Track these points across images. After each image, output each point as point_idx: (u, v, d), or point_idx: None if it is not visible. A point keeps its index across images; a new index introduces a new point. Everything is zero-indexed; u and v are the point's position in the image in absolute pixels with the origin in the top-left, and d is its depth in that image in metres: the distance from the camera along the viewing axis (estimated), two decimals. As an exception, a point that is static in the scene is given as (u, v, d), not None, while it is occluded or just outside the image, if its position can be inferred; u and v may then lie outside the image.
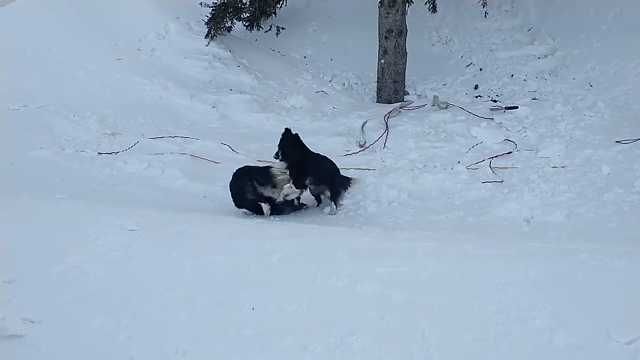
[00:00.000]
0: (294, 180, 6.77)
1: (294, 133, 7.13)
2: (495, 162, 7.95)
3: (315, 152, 7.27)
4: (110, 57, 9.86)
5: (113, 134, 8.37)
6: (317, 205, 7.20)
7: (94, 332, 3.68)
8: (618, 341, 3.47)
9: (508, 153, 8.22)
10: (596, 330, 3.57)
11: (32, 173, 7.15)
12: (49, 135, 8.06)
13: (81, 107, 8.74)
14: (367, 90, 11.17)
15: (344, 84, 11.22)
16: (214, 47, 10.78)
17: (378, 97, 10.69)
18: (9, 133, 7.98)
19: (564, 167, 7.64)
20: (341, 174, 7.20)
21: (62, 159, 7.62)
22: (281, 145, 7.05)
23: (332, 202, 6.99)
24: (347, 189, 7.06)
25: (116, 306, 3.87)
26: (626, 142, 7.87)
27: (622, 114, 8.99)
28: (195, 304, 3.91)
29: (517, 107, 9.32)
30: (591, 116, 8.92)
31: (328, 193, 7.03)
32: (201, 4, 11.21)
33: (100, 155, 7.79)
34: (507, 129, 8.79)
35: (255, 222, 5.97)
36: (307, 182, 6.92)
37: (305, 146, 7.13)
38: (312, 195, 7.18)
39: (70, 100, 8.80)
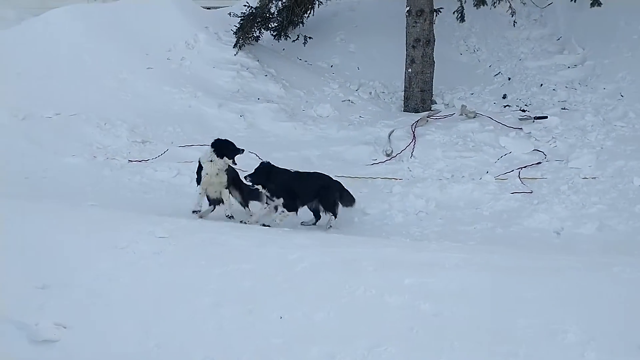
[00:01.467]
0: (284, 204, 6.38)
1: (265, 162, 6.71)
2: (525, 173, 7.85)
3: (299, 171, 6.92)
4: (140, 67, 10.01)
5: (143, 142, 8.49)
6: (315, 223, 6.74)
7: (124, 339, 3.73)
8: (652, 357, 3.40)
9: (537, 163, 8.11)
10: (629, 346, 3.52)
11: (64, 180, 7.30)
12: (80, 143, 8.21)
13: (112, 115, 8.89)
14: (394, 99, 11.15)
15: (370, 93, 11.22)
16: (242, 56, 10.87)
17: (405, 106, 10.66)
18: (42, 141, 8.16)
19: (594, 178, 7.51)
20: (333, 186, 6.72)
21: (93, 166, 7.76)
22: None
23: (330, 215, 6.60)
24: (343, 201, 6.67)
25: (146, 313, 3.92)
26: (659, 153, 7.72)
27: (655, 124, 8.82)
28: (223, 311, 3.94)
29: (546, 117, 9.21)
30: (622, 127, 8.77)
31: (321, 207, 6.64)
32: (230, 14, 11.33)
33: (130, 162, 7.91)
34: (536, 139, 8.68)
35: (282, 230, 5.98)
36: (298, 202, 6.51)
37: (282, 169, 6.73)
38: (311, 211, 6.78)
39: (101, 109, 8.95)
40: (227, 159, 6.38)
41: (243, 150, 6.62)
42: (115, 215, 5.57)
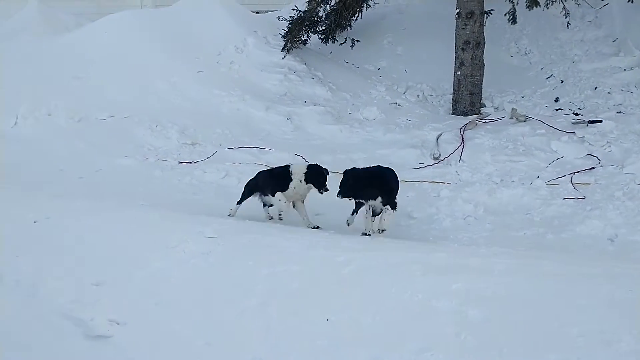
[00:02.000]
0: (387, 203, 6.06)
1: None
2: (577, 178, 7.63)
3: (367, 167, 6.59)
4: (191, 70, 10.23)
5: (193, 144, 8.66)
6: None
7: (175, 336, 3.81)
8: None
9: (591, 169, 7.88)
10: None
11: (116, 180, 7.51)
12: (132, 145, 8.45)
13: (163, 117, 9.11)
14: (442, 102, 11.03)
15: (418, 96, 11.13)
16: (290, 59, 10.97)
17: (453, 110, 10.53)
18: (96, 142, 8.44)
19: (651, 184, 7.25)
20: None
21: (144, 167, 7.96)
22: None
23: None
24: None
25: (195, 311, 4.00)
26: None
27: None
28: (270, 312, 3.98)
29: (600, 121, 8.94)
30: (681, 130, 8.44)
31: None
32: (278, 17, 11.45)
33: (180, 164, 8.08)
34: (589, 144, 8.43)
35: (328, 232, 6.00)
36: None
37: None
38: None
39: (153, 111, 9.19)
40: (312, 186, 6.33)
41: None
42: (166, 215, 5.69)
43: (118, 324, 3.85)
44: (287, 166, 6.53)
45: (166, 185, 7.53)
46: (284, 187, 6.31)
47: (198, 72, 10.24)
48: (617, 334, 3.62)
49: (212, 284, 4.30)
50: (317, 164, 6.54)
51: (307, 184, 6.31)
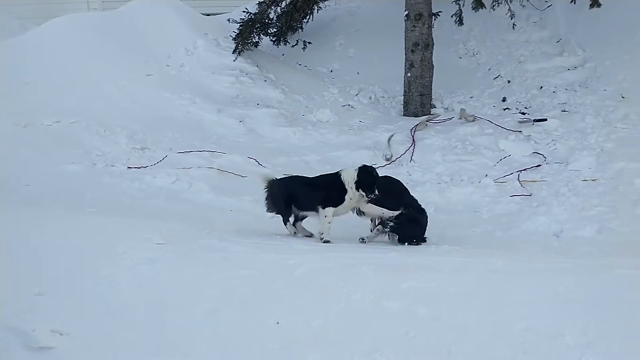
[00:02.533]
0: None
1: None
2: (524, 176, 7.84)
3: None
4: (140, 74, 10.05)
5: (142, 149, 8.50)
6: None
7: (122, 345, 3.72)
8: (652, 360, 3.38)
9: (537, 166, 8.10)
10: (628, 349, 3.50)
11: (64, 187, 7.29)
12: (80, 150, 8.22)
13: (111, 122, 8.90)
14: (393, 103, 11.15)
15: (370, 98, 11.22)
16: (242, 62, 10.90)
17: (405, 111, 10.66)
18: (42, 148, 8.17)
19: (594, 180, 7.49)
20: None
21: (92, 173, 7.75)
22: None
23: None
24: None
25: (143, 319, 3.92)
26: (660, 154, 7.69)
27: (656, 125, 8.79)
28: (220, 317, 3.93)
29: (546, 120, 9.20)
30: (623, 128, 8.74)
31: None
32: (229, 20, 11.38)
33: (129, 169, 7.91)
34: (535, 142, 8.67)
35: (280, 236, 5.98)
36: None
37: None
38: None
39: (101, 116, 8.97)
40: (361, 191, 5.83)
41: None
42: (114, 221, 5.56)
43: (61, 334, 3.72)
44: (338, 174, 5.94)
45: (115, 191, 7.35)
46: (338, 201, 5.83)
47: (147, 75, 10.07)
48: (562, 328, 3.71)
49: (160, 291, 4.22)
50: (366, 165, 6.08)
51: (358, 191, 5.82)
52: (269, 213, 6.27)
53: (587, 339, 3.60)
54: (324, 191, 5.87)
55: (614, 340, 3.58)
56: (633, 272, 4.43)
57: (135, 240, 4.95)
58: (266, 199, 6.16)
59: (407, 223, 6.01)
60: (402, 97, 10.77)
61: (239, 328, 3.84)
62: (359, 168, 5.93)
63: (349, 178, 5.84)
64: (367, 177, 5.84)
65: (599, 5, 10.43)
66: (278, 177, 6.36)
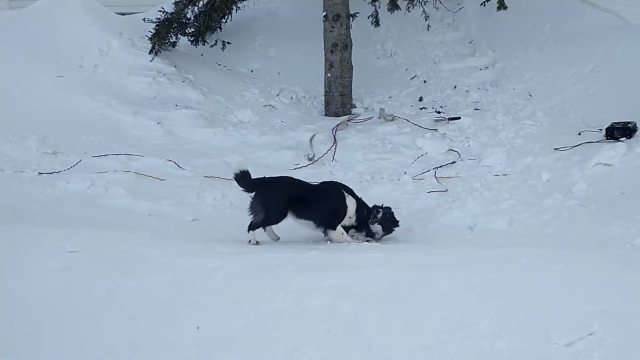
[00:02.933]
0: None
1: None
2: (440, 172, 8.09)
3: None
4: (50, 75, 9.60)
5: (54, 153, 8.12)
6: None
7: (35, 358, 3.55)
8: (558, 343, 3.57)
9: (452, 163, 8.39)
10: (537, 334, 3.67)
11: (-33, 196, 6.88)
12: (-14, 157, 7.77)
13: (20, 126, 8.46)
14: (315, 103, 11.22)
15: (291, 98, 11.24)
16: (159, 62, 10.63)
17: (326, 111, 10.75)
18: (-57, 156, 7.68)
19: (505, 175, 7.84)
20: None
21: (0, 180, 7.35)
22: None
23: None
24: None
25: (55, 332, 3.76)
26: (564, 149, 8.15)
27: (560, 122, 9.31)
28: (138, 325, 3.83)
29: (459, 118, 9.54)
30: (531, 125, 9.20)
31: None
32: (144, 19, 11.06)
33: (40, 175, 7.55)
34: (450, 139, 8.98)
35: (200, 239, 5.89)
36: None
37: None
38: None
39: (8, 120, 8.50)
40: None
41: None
42: (23, 229, 5.30)
43: (-35, 353, 3.52)
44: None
45: (25, 198, 7.00)
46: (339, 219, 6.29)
47: (58, 76, 9.64)
48: (475, 317, 3.86)
49: (74, 301, 4.06)
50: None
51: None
52: (252, 217, 6.02)
53: (499, 327, 3.76)
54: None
55: (523, 326, 3.76)
56: (538, 260, 4.68)
57: (46, 249, 4.74)
58: (257, 200, 5.99)
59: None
60: (323, 97, 10.86)
61: (158, 335, 3.76)
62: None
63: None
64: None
65: (505, 7, 10.89)
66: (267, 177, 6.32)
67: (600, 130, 8.36)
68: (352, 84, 10.74)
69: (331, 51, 10.52)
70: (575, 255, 5.05)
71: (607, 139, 8.05)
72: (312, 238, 6.39)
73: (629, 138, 7.95)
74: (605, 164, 7.46)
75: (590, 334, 3.59)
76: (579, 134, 8.54)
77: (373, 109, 10.59)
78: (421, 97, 11.05)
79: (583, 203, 6.75)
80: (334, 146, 8.96)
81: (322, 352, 3.59)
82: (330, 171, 8.43)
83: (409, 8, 10.93)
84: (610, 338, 3.53)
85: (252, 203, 6.02)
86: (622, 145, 7.68)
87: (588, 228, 6.13)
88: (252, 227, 5.94)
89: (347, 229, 6.31)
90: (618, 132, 8.03)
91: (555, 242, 5.89)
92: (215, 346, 3.65)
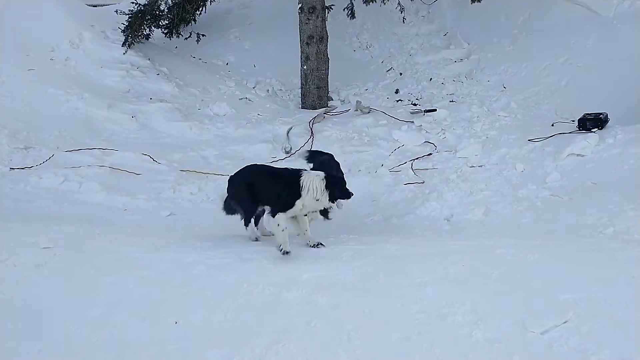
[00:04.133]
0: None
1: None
2: (417, 164, 8.14)
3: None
4: (21, 68, 9.40)
5: (26, 148, 7.95)
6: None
7: (7, 356, 3.48)
8: (534, 332, 3.62)
9: (428, 155, 8.44)
10: (513, 323, 3.71)
11: (-63, 192, 6.71)
12: (-45, 152, 7.59)
13: (-10, 120, 8.28)
14: (291, 96, 11.19)
15: (268, 91, 11.19)
16: (132, 55, 10.49)
17: (302, 103, 10.73)
18: None
19: (481, 166, 7.92)
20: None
21: (-30, 176, 7.19)
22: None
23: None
24: None
25: (29, 329, 3.69)
26: (537, 140, 8.25)
27: (534, 113, 9.43)
28: (114, 321, 3.78)
29: (435, 110, 9.60)
30: (505, 116, 9.30)
31: None
32: (117, 11, 10.90)
33: (12, 170, 7.40)
34: (427, 132, 9.03)
35: (177, 234, 5.83)
36: None
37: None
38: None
39: (-22, 115, 8.32)
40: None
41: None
42: (-7, 227, 5.19)
43: (-64, 352, 3.43)
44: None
45: (-4, 194, 6.86)
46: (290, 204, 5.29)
47: (29, 70, 9.45)
48: (453, 307, 3.90)
49: (47, 298, 3.98)
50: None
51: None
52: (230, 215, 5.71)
53: (476, 316, 3.79)
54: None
55: (500, 315, 3.80)
56: (513, 250, 4.74)
57: (19, 245, 4.65)
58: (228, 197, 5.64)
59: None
60: (300, 89, 10.83)
61: (135, 331, 3.71)
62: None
63: (307, 180, 5.31)
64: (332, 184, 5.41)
65: (479, 0, 10.99)
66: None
67: (573, 121, 8.49)
68: (329, 77, 10.73)
69: (307, 43, 10.49)
70: (550, 244, 5.13)
71: (580, 130, 8.18)
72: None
73: (601, 129, 8.07)
74: (577, 155, 7.58)
75: (565, 322, 3.65)
76: (552, 125, 8.67)
77: (349, 102, 10.60)
78: (397, 89, 11.09)
79: (556, 193, 6.85)
80: (311, 139, 8.94)
81: (301, 344, 3.59)
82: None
83: (384, 0, 10.93)
84: (585, 326, 3.59)
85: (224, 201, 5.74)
86: (594, 136, 7.80)
87: (562, 218, 6.22)
88: (245, 223, 5.61)
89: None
90: (590, 123, 8.15)
91: (530, 232, 5.96)
92: (194, 341, 3.62)
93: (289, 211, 5.23)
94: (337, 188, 5.38)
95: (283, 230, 5.10)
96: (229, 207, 5.71)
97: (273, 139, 9.11)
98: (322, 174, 5.39)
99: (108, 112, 9.12)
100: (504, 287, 4.15)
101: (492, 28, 11.79)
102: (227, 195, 5.73)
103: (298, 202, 5.22)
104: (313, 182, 5.26)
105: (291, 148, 8.85)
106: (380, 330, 3.68)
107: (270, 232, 5.53)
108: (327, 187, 5.28)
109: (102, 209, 6.75)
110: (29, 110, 8.77)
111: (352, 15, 10.96)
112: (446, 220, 6.61)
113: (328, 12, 10.78)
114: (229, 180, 5.74)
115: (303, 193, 5.21)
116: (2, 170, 7.36)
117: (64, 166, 7.52)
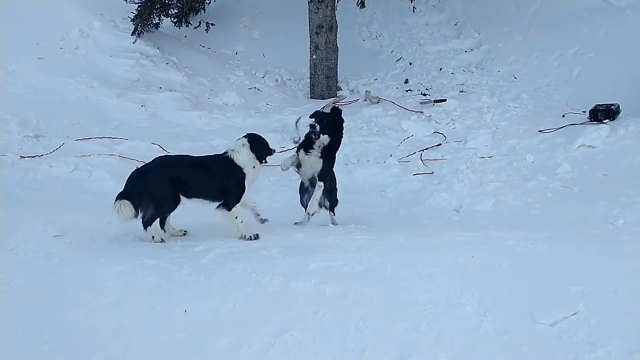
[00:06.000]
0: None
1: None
2: (426, 155, 8.12)
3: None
4: (31, 57, 9.45)
5: (36, 137, 8.00)
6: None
7: (16, 345, 3.50)
8: (543, 323, 3.60)
9: (438, 145, 8.41)
10: (522, 314, 3.70)
11: (-51, 180, 6.76)
12: (-34, 140, 7.64)
13: (1, 109, 8.32)
14: (300, 86, 11.17)
15: (277, 80, 11.17)
16: (142, 44, 10.50)
17: (311, 93, 10.71)
18: None
19: (490, 157, 7.88)
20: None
21: (-19, 164, 7.23)
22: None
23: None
24: None
25: (39, 317, 3.71)
26: (548, 131, 8.20)
27: (544, 104, 9.37)
28: (123, 310, 3.79)
29: (445, 100, 9.55)
30: (515, 107, 9.24)
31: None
32: (126, 0, 10.89)
33: (23, 158, 7.44)
34: (436, 122, 8.99)
35: (186, 223, 5.83)
36: None
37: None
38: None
39: (-12, 103, 8.37)
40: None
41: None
42: (4, 214, 5.21)
43: (-51, 337, 3.46)
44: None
45: (7, 182, 6.89)
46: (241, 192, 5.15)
47: (39, 58, 9.50)
48: (461, 298, 3.88)
49: (57, 286, 4.00)
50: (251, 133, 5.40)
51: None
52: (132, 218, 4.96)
53: (485, 308, 3.78)
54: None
55: (509, 307, 3.78)
56: (523, 242, 4.71)
57: (29, 233, 4.68)
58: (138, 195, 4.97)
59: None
60: (309, 79, 10.80)
61: (144, 319, 3.72)
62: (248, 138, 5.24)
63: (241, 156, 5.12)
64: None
65: (490, -11, 10.92)
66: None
67: (584, 112, 8.42)
68: (338, 66, 10.70)
69: (316, 33, 10.44)
70: (560, 236, 5.10)
71: (591, 121, 8.11)
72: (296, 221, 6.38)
73: (612, 120, 8.01)
74: (588, 146, 7.52)
75: (574, 314, 3.62)
76: (563, 116, 8.60)
77: (359, 92, 10.57)
78: (407, 79, 11.04)
79: (567, 185, 6.80)
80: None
81: (309, 334, 3.59)
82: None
83: (394, -11, 10.89)
84: (594, 318, 3.57)
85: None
86: (605, 127, 7.74)
87: (572, 209, 6.19)
88: (146, 224, 5.00)
89: None
90: (601, 114, 8.08)
91: (539, 223, 5.93)
92: (203, 330, 3.63)
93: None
94: (260, 146, 5.22)
95: (242, 221, 5.05)
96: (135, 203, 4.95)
97: (282, 128, 9.10)
98: (242, 139, 5.21)
99: (117, 101, 9.15)
100: (513, 278, 4.12)
101: (503, 18, 11.70)
102: (128, 190, 5.02)
103: (247, 183, 5.08)
104: (242, 153, 5.09)
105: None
106: (388, 321, 3.67)
107: (181, 231, 5.27)
108: (251, 149, 5.14)
109: (111, 197, 6.65)
110: (39, 98, 8.82)
111: (362, 4, 10.91)
112: (455, 211, 6.59)
113: (338, 1, 10.73)
114: (138, 174, 5.08)
115: (245, 170, 5.04)
116: (12, 159, 7.41)
117: (73, 155, 7.56)
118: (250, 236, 5.01)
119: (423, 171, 7.66)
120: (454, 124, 8.90)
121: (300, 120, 9.20)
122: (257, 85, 10.70)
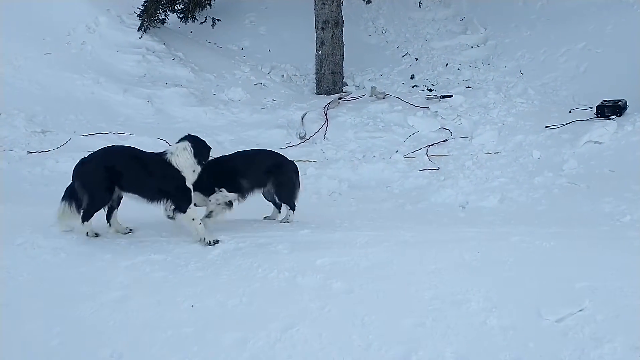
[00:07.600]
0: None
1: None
2: (432, 150, 8.11)
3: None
4: (37, 52, 9.47)
5: (43, 132, 8.04)
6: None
7: (25, 339, 3.54)
8: (549, 319, 3.60)
9: (444, 141, 8.40)
10: (528, 310, 3.70)
11: (-44, 175, 6.80)
12: (-26, 135, 7.68)
13: (8, 104, 8.35)
14: (306, 81, 11.16)
15: (282, 76, 11.17)
16: (148, 39, 10.51)
17: (317, 89, 10.70)
18: None
19: (497, 153, 7.87)
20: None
21: (-12, 159, 7.27)
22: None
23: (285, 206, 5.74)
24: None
25: (48, 311, 3.74)
26: (555, 127, 8.17)
27: (551, 100, 9.33)
28: (131, 304, 3.82)
29: (451, 96, 9.53)
30: (522, 103, 9.21)
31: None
32: (133, -5, 10.92)
33: (30, 154, 7.48)
34: (442, 118, 8.98)
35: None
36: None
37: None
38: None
39: (-5, 98, 8.41)
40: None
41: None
42: (12, 209, 5.26)
43: (-43, 332, 3.50)
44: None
45: (14, 177, 6.93)
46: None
47: (46, 54, 9.52)
48: (467, 294, 3.89)
49: (64, 281, 4.04)
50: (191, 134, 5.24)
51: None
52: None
53: (490, 304, 3.78)
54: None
55: (515, 303, 3.79)
56: (529, 238, 4.71)
57: (37, 228, 4.71)
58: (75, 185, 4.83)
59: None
60: (314, 75, 10.80)
61: (151, 314, 3.75)
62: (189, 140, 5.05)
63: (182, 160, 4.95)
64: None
65: (496, -15, 10.87)
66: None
67: (591, 108, 8.38)
68: (344, 62, 10.68)
69: (322, 28, 10.43)
70: (566, 232, 5.09)
71: (598, 117, 8.08)
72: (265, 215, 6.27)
73: (619, 116, 7.98)
74: (595, 142, 7.50)
75: (580, 310, 3.63)
76: (570, 111, 8.57)
77: (364, 87, 10.56)
78: (413, 75, 11.02)
79: (573, 181, 6.79)
80: (326, 125, 8.93)
81: (316, 329, 3.60)
82: (321, 149, 8.42)
83: (400, -15, 10.86)
84: (600, 314, 3.57)
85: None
86: (612, 123, 7.71)
87: (578, 205, 6.17)
88: (84, 218, 4.80)
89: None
90: (609, 110, 8.05)
91: (545, 219, 5.92)
92: (209, 325, 3.65)
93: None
94: (201, 150, 5.05)
95: (200, 223, 4.88)
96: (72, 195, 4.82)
97: (288, 124, 9.11)
98: (183, 143, 5.02)
99: (124, 96, 9.18)
100: (519, 274, 4.13)
101: (510, 13, 11.66)
102: (68, 189, 4.90)
103: (188, 184, 4.88)
104: (182, 156, 4.91)
105: (305, 134, 8.84)
106: (394, 316, 3.68)
107: (126, 228, 5.09)
108: (194, 154, 4.95)
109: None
110: (46, 94, 8.84)
111: (368, 0, 10.89)
112: (461, 207, 6.59)
113: (344, -3, 10.71)
114: (80, 163, 4.99)
115: (184, 173, 4.85)
116: (20, 154, 7.44)
117: (80, 150, 7.55)
118: (210, 241, 4.82)
119: (429, 167, 7.65)
120: (460, 119, 8.88)
121: (306, 115, 9.21)
122: (263, 81, 10.71)
